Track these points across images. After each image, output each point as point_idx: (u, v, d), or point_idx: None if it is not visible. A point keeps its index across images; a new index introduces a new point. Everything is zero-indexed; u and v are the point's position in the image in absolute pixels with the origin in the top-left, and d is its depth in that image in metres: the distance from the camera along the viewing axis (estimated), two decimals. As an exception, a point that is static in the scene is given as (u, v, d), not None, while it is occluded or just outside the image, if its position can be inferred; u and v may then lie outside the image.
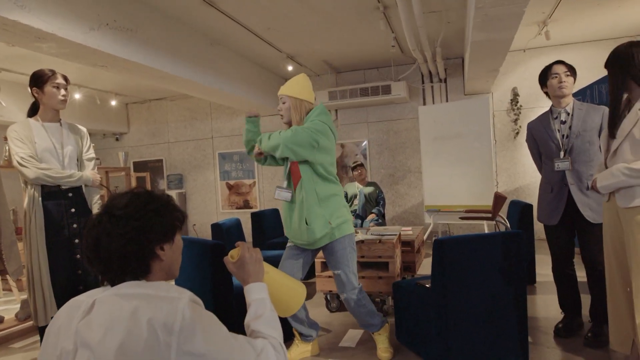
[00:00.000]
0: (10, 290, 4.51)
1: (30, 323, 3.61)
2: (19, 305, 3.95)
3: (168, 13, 4.48)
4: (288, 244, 2.74)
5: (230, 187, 8.03)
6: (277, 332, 1.25)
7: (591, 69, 5.75)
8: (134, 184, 4.48)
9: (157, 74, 4.59)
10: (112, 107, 7.84)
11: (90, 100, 7.35)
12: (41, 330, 2.54)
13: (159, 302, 1.06)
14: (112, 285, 1.15)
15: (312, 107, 2.62)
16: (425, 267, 4.78)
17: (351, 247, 2.62)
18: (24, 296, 3.76)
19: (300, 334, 2.78)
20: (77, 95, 6.79)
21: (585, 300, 2.87)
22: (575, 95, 5.21)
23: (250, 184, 7.92)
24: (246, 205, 7.93)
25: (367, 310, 2.69)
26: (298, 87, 2.59)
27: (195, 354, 1.03)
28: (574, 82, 2.80)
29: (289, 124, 2.63)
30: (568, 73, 2.76)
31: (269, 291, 1.37)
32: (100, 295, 1.11)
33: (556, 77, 2.76)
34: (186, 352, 1.02)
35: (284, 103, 2.59)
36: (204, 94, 5.93)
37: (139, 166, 8.45)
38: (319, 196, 2.52)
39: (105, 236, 1.11)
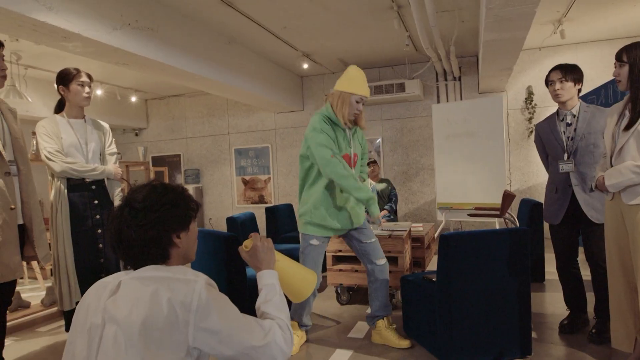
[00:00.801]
0: (35, 278, 4.73)
1: (55, 309, 3.81)
2: (44, 292, 4.15)
3: (187, 13, 4.62)
4: (318, 243, 2.75)
5: (245, 183, 8.19)
6: (285, 314, 1.35)
7: (606, 68, 5.73)
8: (150, 178, 4.65)
9: (175, 71, 4.74)
10: (132, 103, 8.05)
11: (111, 96, 7.57)
12: (66, 315, 2.70)
13: (178, 283, 1.18)
14: (135, 269, 1.27)
15: None
16: (435, 263, 4.84)
17: None
18: (49, 284, 3.96)
19: (301, 325, 2.89)
20: (99, 92, 7.01)
21: (591, 298, 2.91)
22: (589, 94, 5.21)
23: (265, 180, 8.05)
24: (261, 200, 8.08)
25: (388, 287, 2.88)
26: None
27: (210, 331, 1.15)
28: (577, 83, 2.77)
29: (355, 122, 2.77)
30: (563, 79, 2.74)
31: (280, 278, 1.49)
32: (124, 278, 1.23)
33: (552, 84, 2.79)
34: (202, 329, 1.14)
35: (363, 104, 2.71)
36: (220, 91, 6.07)
37: (158, 161, 8.66)
38: None
39: (126, 227, 1.23)
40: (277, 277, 1.47)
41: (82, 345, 1.16)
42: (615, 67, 2.26)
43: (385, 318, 2.87)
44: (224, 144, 8.33)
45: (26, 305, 3.68)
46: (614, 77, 2.32)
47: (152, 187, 1.30)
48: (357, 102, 2.63)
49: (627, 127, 2.18)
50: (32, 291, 4.53)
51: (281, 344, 1.24)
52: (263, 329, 1.24)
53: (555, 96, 2.80)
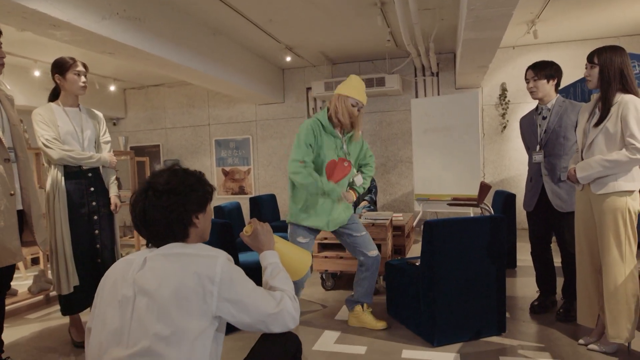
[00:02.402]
0: (17, 267, 4.70)
1: (41, 297, 3.83)
2: (26, 282, 4.17)
3: (174, 3, 4.64)
4: (304, 240, 2.81)
5: (226, 174, 8.23)
6: (290, 287, 1.49)
7: (575, 67, 6.02)
8: (135, 168, 4.66)
9: (161, 62, 4.76)
10: (110, 92, 7.95)
11: (90, 85, 7.43)
12: (61, 298, 2.75)
13: (202, 259, 1.30)
14: (157, 247, 1.38)
15: None
16: (413, 251, 5.06)
17: None
18: (34, 272, 3.97)
19: None
20: (77, 80, 6.89)
21: (559, 281, 3.16)
22: (560, 92, 5.49)
23: (245, 171, 8.12)
24: (241, 191, 8.14)
25: (376, 277, 3.01)
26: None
27: (231, 300, 1.28)
28: (551, 79, 2.95)
29: (349, 126, 2.85)
30: (535, 77, 2.96)
31: (279, 257, 1.62)
32: (149, 254, 1.34)
33: (527, 82, 3.01)
34: (225, 299, 1.27)
35: (358, 110, 2.81)
36: (204, 82, 6.10)
37: (137, 151, 8.53)
38: None
39: (151, 208, 1.34)
40: (278, 257, 1.61)
41: (114, 315, 1.26)
42: (587, 68, 2.48)
43: (364, 304, 3.03)
44: (204, 134, 8.34)
45: (13, 293, 3.69)
46: (584, 77, 2.53)
47: (174, 171, 1.41)
48: (353, 105, 2.76)
49: (597, 124, 2.41)
50: (15, 280, 4.49)
51: (292, 311, 1.38)
52: (275, 299, 1.37)
53: (530, 93, 3.03)
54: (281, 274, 1.53)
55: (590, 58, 2.45)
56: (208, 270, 1.27)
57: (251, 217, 5.29)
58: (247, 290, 1.32)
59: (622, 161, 2.29)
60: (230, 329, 1.64)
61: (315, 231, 2.90)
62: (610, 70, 2.36)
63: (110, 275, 1.35)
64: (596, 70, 2.42)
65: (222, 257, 1.32)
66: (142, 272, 1.29)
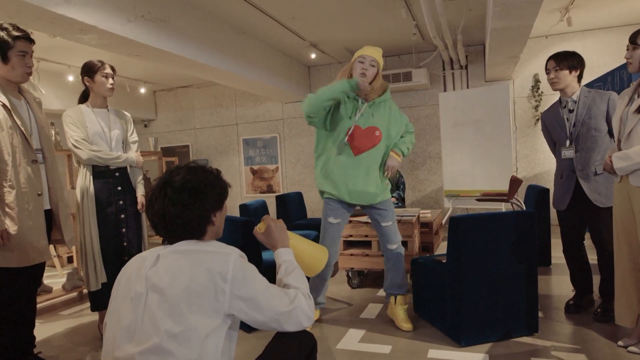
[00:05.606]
0: (53, 265, 4.87)
1: (75, 293, 3.96)
2: (61, 280, 4.30)
3: (197, 4, 4.69)
4: (334, 220, 2.85)
5: (254, 172, 8.29)
6: (305, 285, 1.46)
7: (613, 55, 5.76)
8: (163, 168, 4.75)
9: (186, 62, 4.82)
10: (140, 94, 8.14)
11: (121, 87, 7.65)
12: (91, 295, 2.82)
13: (215, 256, 1.28)
14: (172, 244, 1.37)
15: None
16: (442, 248, 4.94)
17: None
18: (68, 270, 4.10)
19: (316, 303, 3.00)
20: (109, 83, 7.08)
21: (596, 279, 3.00)
22: (595, 81, 5.25)
23: (273, 169, 8.15)
24: (269, 189, 8.18)
25: (404, 267, 2.97)
26: (382, 59, 2.84)
27: (244, 298, 1.26)
28: (573, 70, 2.81)
29: (368, 89, 2.80)
30: (557, 68, 2.81)
31: (294, 254, 1.59)
32: (162, 251, 1.33)
33: (548, 73, 2.87)
34: (237, 297, 1.25)
35: (372, 66, 2.76)
36: (229, 81, 6.15)
37: (167, 151, 8.76)
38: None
39: (171, 205, 1.33)
40: (292, 254, 1.58)
41: (127, 311, 1.26)
42: (628, 50, 2.34)
43: (398, 296, 2.97)
44: (232, 134, 8.42)
45: (48, 290, 3.81)
46: (621, 63, 2.40)
47: (191, 168, 1.40)
48: (360, 62, 2.75)
49: (638, 110, 2.26)
50: (51, 278, 4.67)
51: (306, 309, 1.35)
52: (289, 297, 1.35)
53: (551, 84, 2.89)
54: (296, 272, 1.50)
55: (632, 39, 2.31)
56: (220, 267, 1.25)
57: (278, 215, 5.30)
58: (260, 287, 1.29)
59: None
60: (252, 327, 1.62)
61: (344, 209, 2.87)
62: None
63: (125, 272, 1.36)
64: (638, 51, 2.28)
65: (234, 254, 1.30)
66: (154, 268, 1.28)
